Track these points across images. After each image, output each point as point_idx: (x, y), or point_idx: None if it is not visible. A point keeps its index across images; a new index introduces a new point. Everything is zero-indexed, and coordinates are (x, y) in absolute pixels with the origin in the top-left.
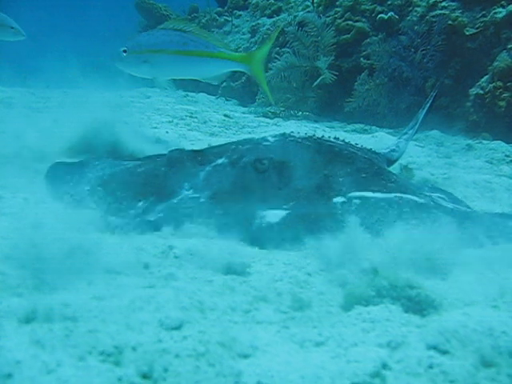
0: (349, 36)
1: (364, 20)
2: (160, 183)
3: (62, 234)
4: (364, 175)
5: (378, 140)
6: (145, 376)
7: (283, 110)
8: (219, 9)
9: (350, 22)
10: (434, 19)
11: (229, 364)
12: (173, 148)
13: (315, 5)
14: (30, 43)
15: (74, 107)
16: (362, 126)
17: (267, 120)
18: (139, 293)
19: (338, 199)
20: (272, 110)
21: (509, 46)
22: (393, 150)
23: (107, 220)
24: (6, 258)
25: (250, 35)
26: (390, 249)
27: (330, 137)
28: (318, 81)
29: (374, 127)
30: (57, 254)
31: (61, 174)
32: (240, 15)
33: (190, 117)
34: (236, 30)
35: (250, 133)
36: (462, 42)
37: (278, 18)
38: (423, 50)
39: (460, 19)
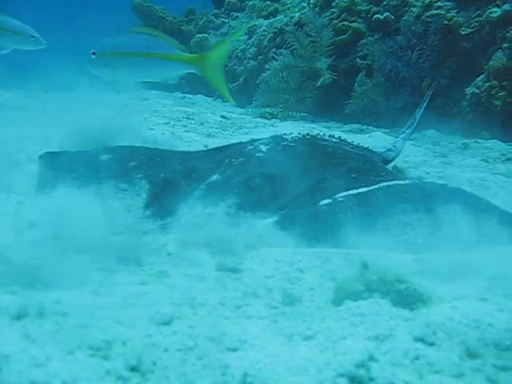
0: (345, 36)
1: (360, 20)
2: None
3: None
4: (354, 175)
5: (375, 140)
6: (133, 369)
7: (280, 111)
8: (216, 10)
9: (346, 23)
10: (429, 19)
11: (217, 357)
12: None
13: (311, 6)
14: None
15: (72, 110)
16: (358, 126)
17: (264, 121)
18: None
19: (325, 201)
20: (269, 111)
21: (504, 46)
22: (389, 150)
23: None
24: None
25: (246, 37)
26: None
27: (324, 134)
28: (320, 82)
29: (370, 127)
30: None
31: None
32: (237, 17)
33: (187, 118)
34: (233, 31)
35: (247, 133)
36: (458, 42)
37: (274, 19)
38: (419, 50)
39: (455, 19)
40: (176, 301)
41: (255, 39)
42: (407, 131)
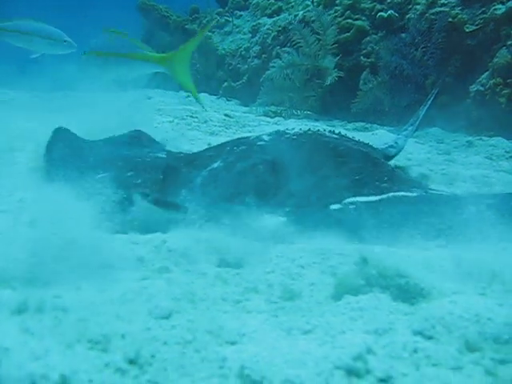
0: (349, 34)
1: (364, 18)
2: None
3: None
4: (358, 177)
5: (378, 137)
6: (131, 362)
7: (284, 109)
8: (220, 9)
9: (349, 21)
10: (433, 17)
11: (215, 350)
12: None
13: (315, 4)
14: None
15: (76, 109)
16: (363, 124)
17: (268, 119)
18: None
19: (334, 206)
20: (273, 109)
21: (508, 43)
22: (391, 146)
23: None
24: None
25: (250, 35)
26: None
27: (325, 130)
28: (329, 81)
29: (375, 125)
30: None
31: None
32: (241, 15)
33: (191, 117)
34: (237, 30)
35: (250, 131)
36: (462, 39)
37: (278, 17)
38: (423, 47)
39: (460, 16)
40: (176, 296)
41: (259, 37)
42: (409, 128)
